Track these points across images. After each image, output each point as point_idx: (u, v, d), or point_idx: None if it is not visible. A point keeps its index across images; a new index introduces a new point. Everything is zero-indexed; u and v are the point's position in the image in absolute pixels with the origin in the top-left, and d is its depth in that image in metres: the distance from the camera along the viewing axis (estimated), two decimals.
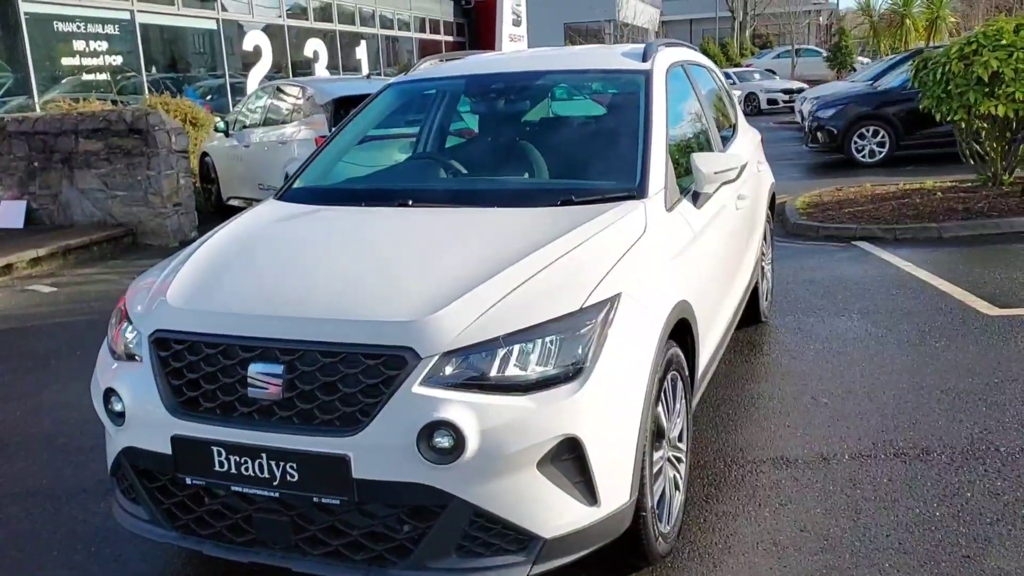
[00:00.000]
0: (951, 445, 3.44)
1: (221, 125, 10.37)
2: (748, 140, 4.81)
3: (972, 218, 7.61)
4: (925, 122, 11.14)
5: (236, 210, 10.49)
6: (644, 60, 3.63)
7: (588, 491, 2.31)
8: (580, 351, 2.30)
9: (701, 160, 3.22)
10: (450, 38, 24.39)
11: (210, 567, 2.85)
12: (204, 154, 10.89)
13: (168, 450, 2.43)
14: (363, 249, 2.85)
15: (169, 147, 9.07)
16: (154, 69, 13.88)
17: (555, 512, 2.28)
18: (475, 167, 3.55)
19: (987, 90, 7.93)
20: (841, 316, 5.26)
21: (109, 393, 2.56)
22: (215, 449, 2.36)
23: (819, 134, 12.56)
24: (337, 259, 2.77)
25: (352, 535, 2.33)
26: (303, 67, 17.23)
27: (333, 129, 3.84)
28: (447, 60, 4.34)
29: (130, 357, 2.64)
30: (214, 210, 10.41)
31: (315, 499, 2.30)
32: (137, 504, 2.66)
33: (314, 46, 17.77)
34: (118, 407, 2.54)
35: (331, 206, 3.32)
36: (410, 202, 3.18)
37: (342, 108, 8.57)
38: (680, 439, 2.87)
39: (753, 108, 24.31)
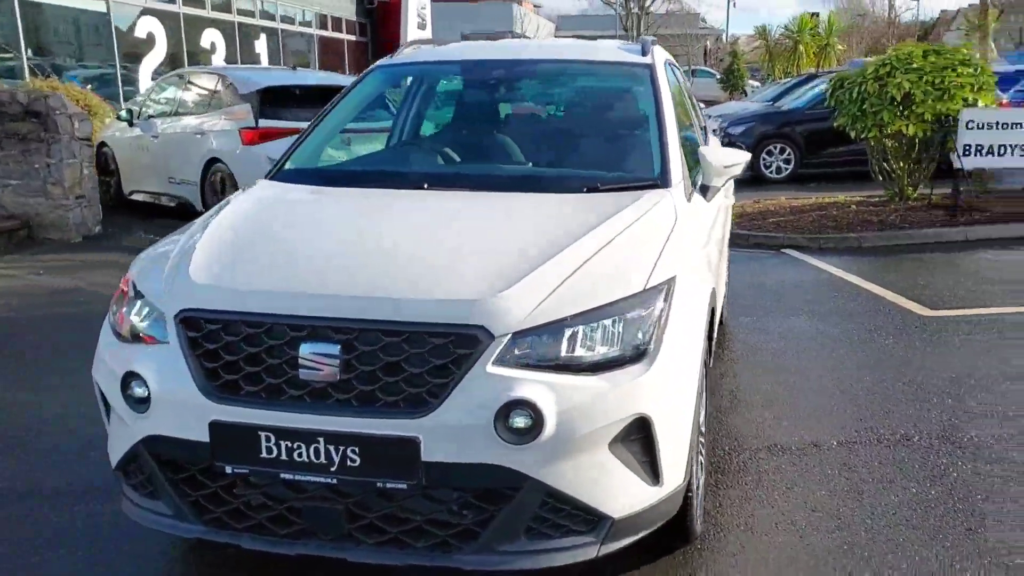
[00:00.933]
0: (927, 432, 3.70)
1: (124, 114, 9.85)
2: (716, 139, 5.03)
3: (887, 229, 8.19)
4: (828, 142, 11.96)
5: (138, 205, 10.07)
6: (644, 54, 3.75)
7: (652, 471, 2.36)
8: (644, 332, 2.35)
9: (711, 153, 3.36)
10: (352, 37, 24.06)
11: (202, 566, 2.73)
12: (102, 144, 10.30)
13: (204, 437, 2.31)
14: (403, 229, 2.80)
15: (71, 133, 8.52)
16: (35, 52, 13.02)
17: (623, 492, 2.32)
18: (482, 154, 3.55)
19: (899, 110, 8.57)
20: (793, 316, 5.57)
21: (129, 378, 2.41)
22: (262, 435, 2.27)
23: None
24: (379, 238, 2.71)
25: (414, 521, 2.29)
26: (199, 58, 16.59)
27: (316, 116, 3.74)
28: (428, 46, 4.32)
29: (137, 338, 2.51)
30: (113, 204, 9.85)
31: (378, 484, 2.25)
32: (155, 499, 2.52)
33: (211, 37, 17.13)
34: (140, 392, 2.40)
35: (343, 187, 3.25)
36: (425, 185, 3.17)
37: (269, 99, 8.35)
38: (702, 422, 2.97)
39: None
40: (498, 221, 2.82)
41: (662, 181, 3.11)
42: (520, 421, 2.17)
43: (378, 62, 4.06)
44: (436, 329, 2.23)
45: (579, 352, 2.28)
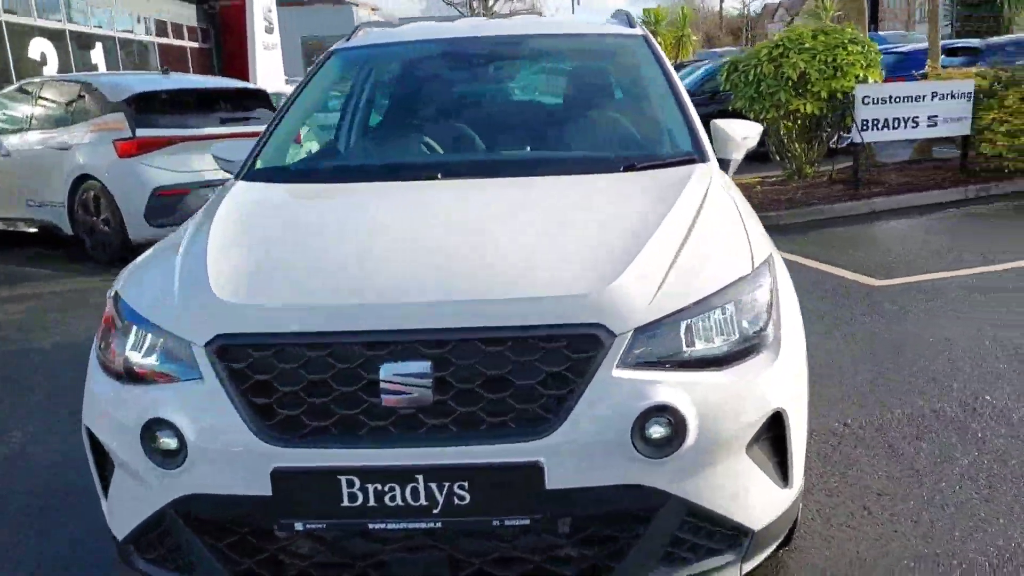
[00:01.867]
0: (943, 407, 3.66)
1: None
2: None
3: (796, 207, 8.41)
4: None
5: None
6: (631, 26, 3.53)
7: (783, 472, 2.13)
8: (761, 317, 2.11)
9: (728, 125, 3.18)
10: (195, 44, 22.70)
11: None
12: None
13: (264, 490, 1.89)
14: (454, 224, 2.43)
15: None
16: None
17: (760, 500, 2.07)
18: (487, 138, 3.20)
19: (796, 90, 8.83)
20: None
21: (153, 426, 1.94)
22: (343, 479, 1.87)
23: None
24: (433, 236, 2.33)
25: (533, 562, 1.96)
26: (28, 71, 15.07)
27: (280, 108, 3.30)
28: (380, 28, 3.90)
29: (138, 377, 2.04)
30: None
31: (494, 523, 1.90)
32: (188, 573, 2.05)
33: (40, 47, 15.61)
34: (169, 444, 1.93)
35: (344, 183, 2.84)
36: (439, 176, 2.81)
37: (142, 106, 7.57)
38: None
39: None
40: (555, 208, 2.50)
41: (699, 156, 2.90)
42: (660, 431, 1.88)
43: (335, 46, 3.64)
44: (548, 332, 1.90)
45: (700, 346, 2.02)
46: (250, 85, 10.25)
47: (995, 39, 14.80)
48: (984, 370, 4.00)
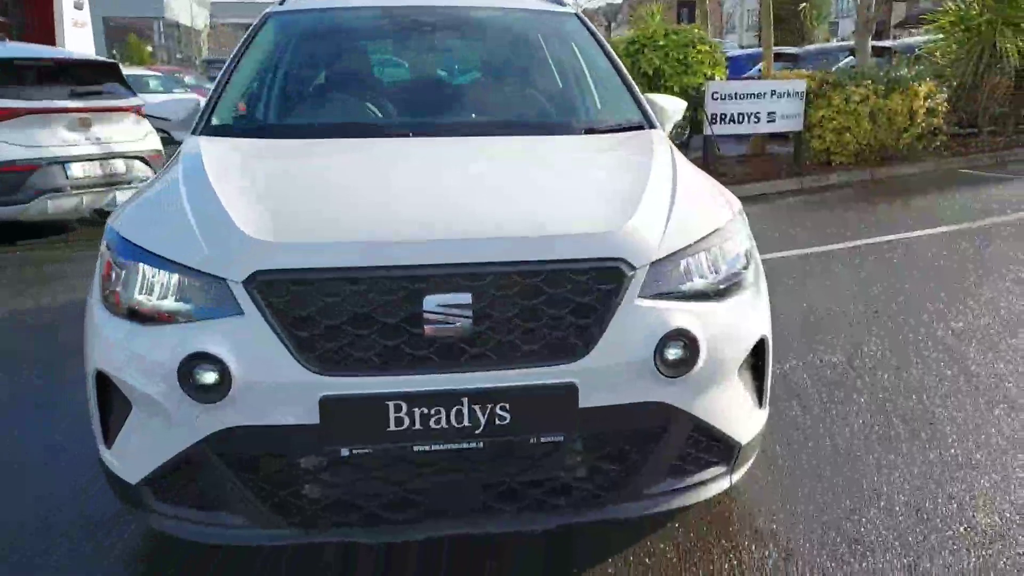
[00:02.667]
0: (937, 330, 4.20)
1: None
2: None
3: None
4: None
5: None
6: (563, 4, 3.79)
7: (759, 395, 2.43)
8: (741, 259, 2.40)
9: (663, 99, 3.50)
10: None
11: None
12: None
13: (310, 419, 1.97)
14: (463, 172, 2.58)
15: None
16: None
17: (746, 418, 2.36)
18: (441, 103, 3.33)
19: (651, 85, 9.46)
20: None
21: (193, 361, 1.97)
22: (391, 404, 1.98)
23: None
24: (447, 181, 2.47)
25: (559, 478, 2.15)
26: None
27: (224, 69, 3.29)
28: None
29: (151, 316, 2.07)
30: None
31: (531, 440, 2.08)
32: (216, 508, 2.09)
33: None
34: (209, 378, 1.97)
35: (318, 139, 2.90)
36: (410, 134, 2.93)
37: None
38: None
39: None
40: (545, 160, 2.71)
41: (648, 123, 3.18)
42: (678, 353, 2.12)
43: (268, 10, 3.64)
44: (578, 266, 2.10)
45: (698, 281, 2.28)
46: (101, 58, 9.65)
47: (810, 47, 16.33)
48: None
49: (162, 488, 2.13)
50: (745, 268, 2.39)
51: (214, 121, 3.06)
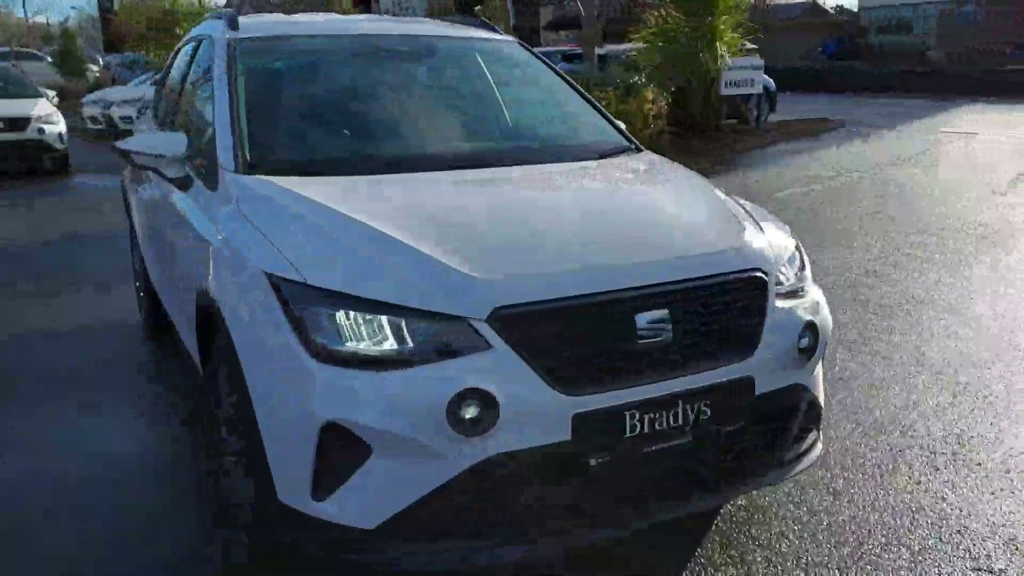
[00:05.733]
0: None
1: None
2: None
3: None
4: None
5: None
6: (492, 30, 4.15)
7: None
8: (798, 264, 2.96)
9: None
10: None
11: None
12: None
13: (564, 435, 2.25)
14: (554, 204, 2.96)
15: None
16: None
17: (822, 389, 2.96)
18: (438, 132, 3.47)
19: None
20: None
21: (461, 397, 2.13)
22: (628, 414, 2.31)
23: None
24: (569, 215, 2.83)
25: (726, 461, 2.59)
26: None
27: (223, 100, 3.12)
28: (273, 15, 3.81)
29: (366, 363, 2.20)
30: None
31: (722, 430, 2.50)
32: (448, 539, 2.26)
33: None
34: (473, 412, 2.15)
35: (381, 175, 2.99)
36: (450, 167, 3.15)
37: None
38: None
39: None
40: (607, 188, 3.20)
41: (635, 146, 3.66)
42: (807, 341, 2.67)
43: (229, 36, 3.43)
44: (736, 276, 2.57)
45: (788, 282, 2.82)
46: None
47: (599, 50, 17.32)
48: None
49: (403, 530, 2.22)
50: (804, 272, 2.96)
51: (250, 159, 2.97)
